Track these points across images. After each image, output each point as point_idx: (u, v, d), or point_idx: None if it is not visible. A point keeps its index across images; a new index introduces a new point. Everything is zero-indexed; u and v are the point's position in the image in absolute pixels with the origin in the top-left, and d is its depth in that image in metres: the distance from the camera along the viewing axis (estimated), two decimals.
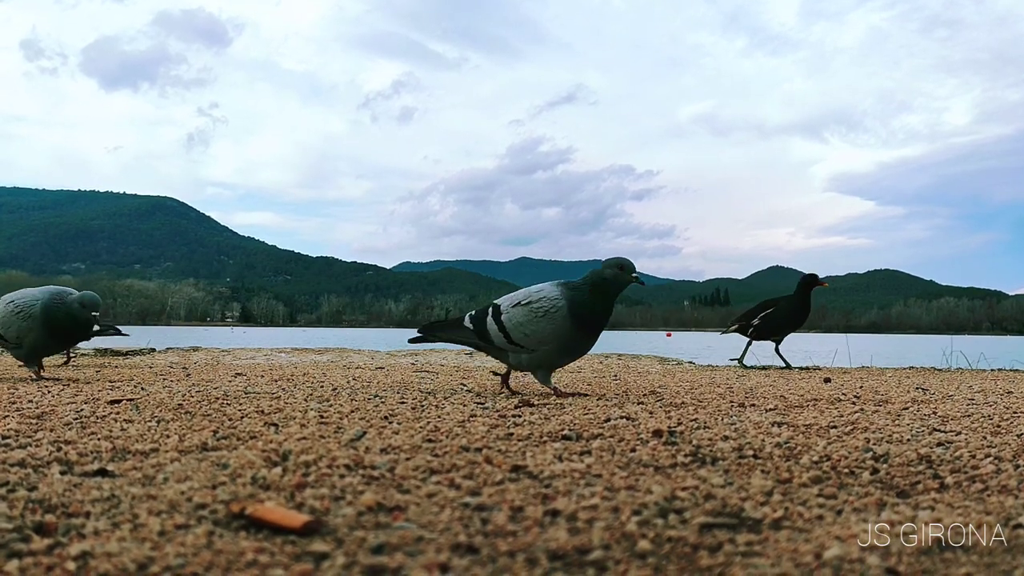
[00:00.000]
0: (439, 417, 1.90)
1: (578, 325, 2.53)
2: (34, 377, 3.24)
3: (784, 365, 4.98)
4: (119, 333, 5.11)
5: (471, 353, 5.53)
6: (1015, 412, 2.16)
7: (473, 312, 2.73)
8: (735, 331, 5.22)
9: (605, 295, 2.56)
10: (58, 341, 3.25)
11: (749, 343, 5.08)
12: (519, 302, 2.59)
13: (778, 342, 5.07)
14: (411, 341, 2.91)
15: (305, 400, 2.31)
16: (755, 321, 5.01)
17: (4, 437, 1.51)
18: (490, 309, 2.65)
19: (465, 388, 2.91)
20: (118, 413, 1.94)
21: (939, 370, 5.01)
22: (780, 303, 5.10)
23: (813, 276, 5.14)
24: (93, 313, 3.14)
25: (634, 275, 2.57)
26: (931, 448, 1.46)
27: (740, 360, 5.03)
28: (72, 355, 4.83)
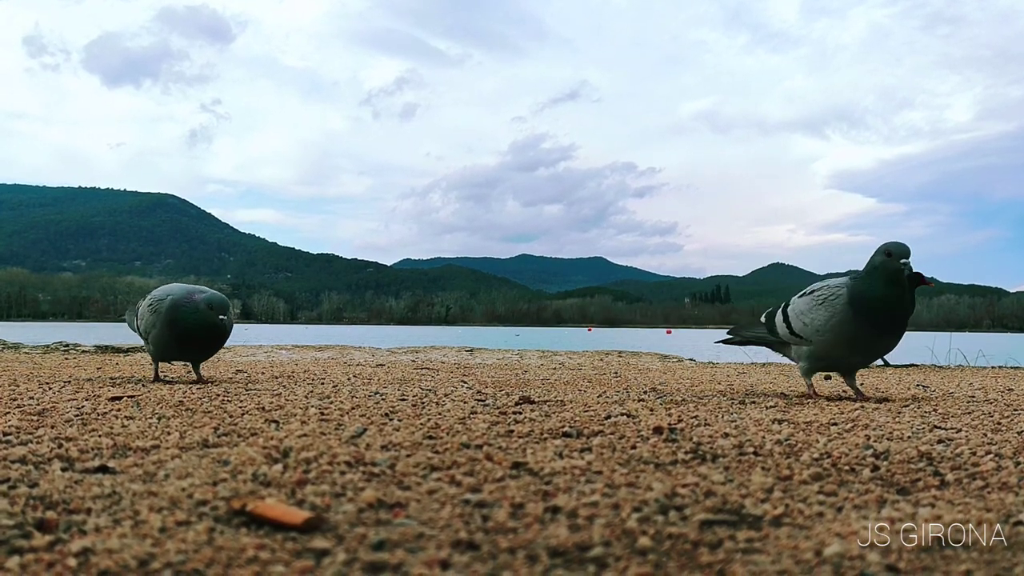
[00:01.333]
0: (440, 414, 1.90)
1: (858, 316, 2.33)
2: (151, 379, 3.05)
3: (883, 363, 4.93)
4: None
5: (471, 350, 5.53)
6: (1016, 409, 2.16)
7: (770, 309, 2.68)
8: None
9: (886, 285, 2.32)
10: (183, 343, 2.89)
11: None
12: (805, 292, 2.50)
13: None
14: (718, 343, 2.85)
15: (306, 397, 2.31)
16: None
17: (5, 434, 1.51)
18: (784, 304, 2.59)
19: (465, 385, 2.91)
20: (119, 410, 1.94)
21: (940, 367, 5.01)
22: None
23: (918, 275, 5.01)
24: (220, 316, 2.83)
25: (904, 261, 2.30)
26: (931, 445, 1.46)
27: (884, 361, 4.94)
28: None
